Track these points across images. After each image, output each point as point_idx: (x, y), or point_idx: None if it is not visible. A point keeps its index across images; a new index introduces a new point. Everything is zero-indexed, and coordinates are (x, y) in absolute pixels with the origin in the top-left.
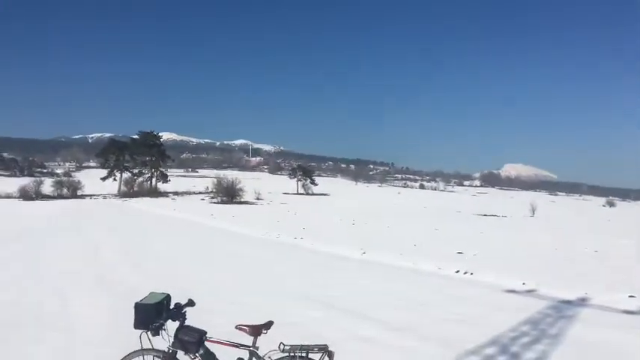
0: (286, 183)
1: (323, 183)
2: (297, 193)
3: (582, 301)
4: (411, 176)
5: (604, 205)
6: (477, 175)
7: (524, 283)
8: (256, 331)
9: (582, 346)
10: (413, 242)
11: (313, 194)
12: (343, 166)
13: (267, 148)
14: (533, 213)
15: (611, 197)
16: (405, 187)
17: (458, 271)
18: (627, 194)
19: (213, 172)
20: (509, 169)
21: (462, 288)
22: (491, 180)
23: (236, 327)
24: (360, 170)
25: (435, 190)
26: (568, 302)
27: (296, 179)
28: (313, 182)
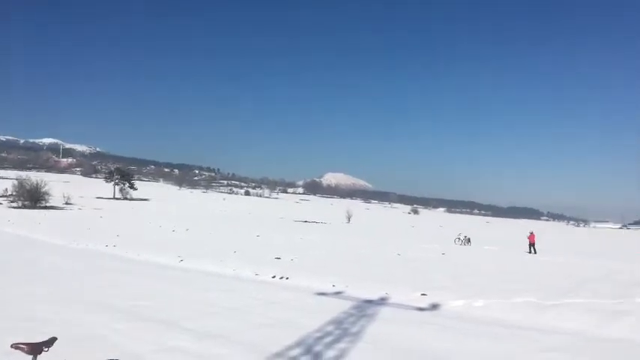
0: (102, 187)
1: (143, 188)
2: (114, 198)
3: (383, 300)
4: (237, 182)
5: (409, 213)
6: (301, 182)
7: (334, 285)
8: (36, 349)
9: (378, 341)
10: (234, 249)
11: (132, 199)
12: (166, 170)
13: (81, 148)
14: (349, 219)
15: (415, 205)
16: (230, 193)
17: (274, 276)
18: (428, 202)
19: (14, 174)
20: (330, 178)
21: (277, 292)
22: (314, 188)
23: (11, 346)
24: (184, 175)
25: (261, 196)
26: (370, 302)
27: (113, 183)
28: (132, 187)
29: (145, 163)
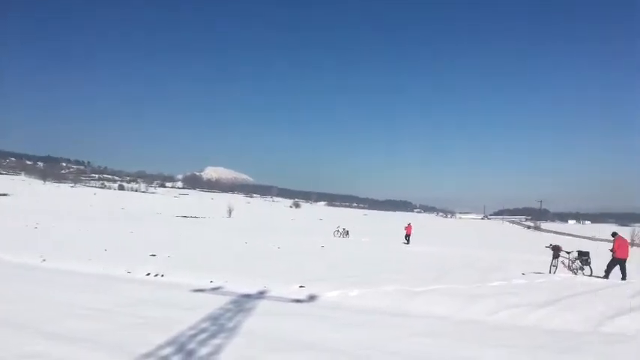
0: None
1: (1, 181)
2: None
3: (261, 294)
4: (110, 176)
5: (291, 206)
6: (180, 176)
7: (211, 281)
8: None
9: (253, 335)
10: (104, 246)
11: None
12: (29, 163)
13: None
14: (230, 214)
15: (297, 199)
16: (102, 187)
17: (149, 274)
18: (309, 196)
19: None
20: (211, 172)
21: (151, 291)
22: (194, 182)
23: None
24: (49, 168)
25: (136, 191)
26: (249, 296)
27: None
28: None
29: (3, 155)
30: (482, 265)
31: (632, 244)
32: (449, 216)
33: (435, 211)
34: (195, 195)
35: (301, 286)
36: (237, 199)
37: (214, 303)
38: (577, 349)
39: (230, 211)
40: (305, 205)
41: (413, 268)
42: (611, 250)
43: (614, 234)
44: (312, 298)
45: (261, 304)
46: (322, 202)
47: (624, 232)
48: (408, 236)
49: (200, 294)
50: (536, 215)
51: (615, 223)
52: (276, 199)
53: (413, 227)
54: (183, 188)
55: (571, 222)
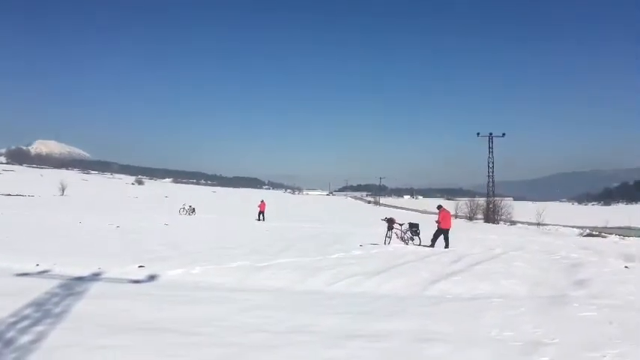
0: None
1: None
2: None
3: (95, 276)
4: None
5: (133, 183)
6: (3, 151)
7: (38, 265)
8: None
9: (82, 319)
10: None
11: None
12: None
13: None
14: (63, 192)
15: (140, 176)
16: None
17: None
18: (154, 173)
19: None
20: (40, 146)
21: None
22: (20, 157)
23: None
24: None
25: None
26: (81, 279)
27: None
28: None
29: None
30: (325, 238)
31: (456, 216)
32: (297, 192)
33: (283, 187)
34: (21, 171)
35: (140, 266)
36: (72, 176)
37: (40, 288)
38: (403, 312)
39: (63, 189)
40: (149, 183)
41: (259, 243)
42: (437, 222)
43: (439, 207)
44: (152, 277)
45: (95, 287)
46: (168, 179)
47: (449, 205)
48: (261, 213)
49: (25, 278)
50: (376, 191)
51: (442, 197)
52: (117, 176)
53: (267, 204)
54: (7, 164)
55: (406, 197)
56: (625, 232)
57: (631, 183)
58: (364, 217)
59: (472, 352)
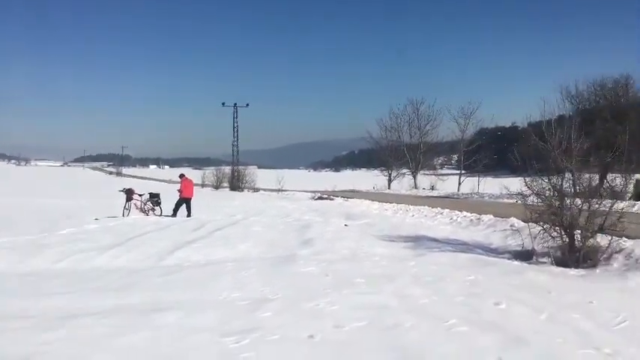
0: None
1: None
2: None
3: None
4: None
5: None
6: None
7: None
8: None
9: None
10: None
11: None
12: None
13: None
14: None
15: None
16: None
17: None
18: None
19: None
20: None
21: None
22: None
23: None
24: None
25: None
26: None
27: None
28: None
29: None
30: (54, 213)
31: (203, 185)
32: (23, 163)
33: (5, 158)
34: None
35: None
36: None
37: None
38: (136, 284)
39: None
40: None
41: None
42: (178, 191)
43: (181, 175)
44: None
45: None
46: None
47: (196, 174)
48: None
49: None
50: (118, 161)
51: (191, 166)
52: None
53: None
54: None
55: (152, 167)
56: (348, 194)
57: (356, 152)
58: (103, 188)
59: (201, 316)
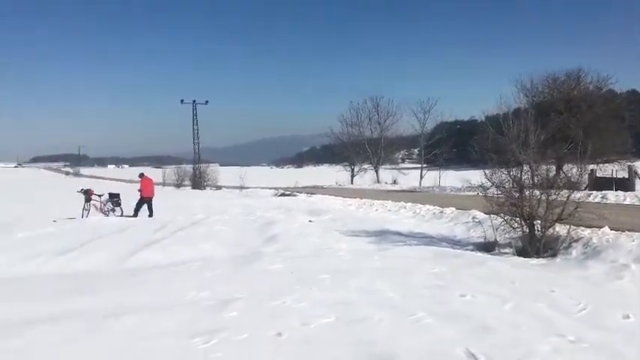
0: None
1: None
2: None
3: None
4: None
5: None
6: None
7: None
8: None
9: None
10: None
11: None
12: None
13: None
14: None
15: None
16: None
17: None
18: None
19: None
20: None
21: None
22: None
23: None
24: None
25: None
26: None
27: None
28: None
29: None
30: (5, 217)
31: (164, 184)
32: None
33: None
34: None
35: None
36: None
37: None
38: (94, 288)
39: None
40: None
41: None
42: (139, 190)
43: (141, 175)
44: None
45: None
46: None
47: (157, 173)
48: None
49: None
50: (75, 161)
51: (151, 165)
52: None
53: None
54: None
55: (110, 166)
56: (312, 190)
57: (318, 147)
58: (60, 189)
59: (167, 318)
